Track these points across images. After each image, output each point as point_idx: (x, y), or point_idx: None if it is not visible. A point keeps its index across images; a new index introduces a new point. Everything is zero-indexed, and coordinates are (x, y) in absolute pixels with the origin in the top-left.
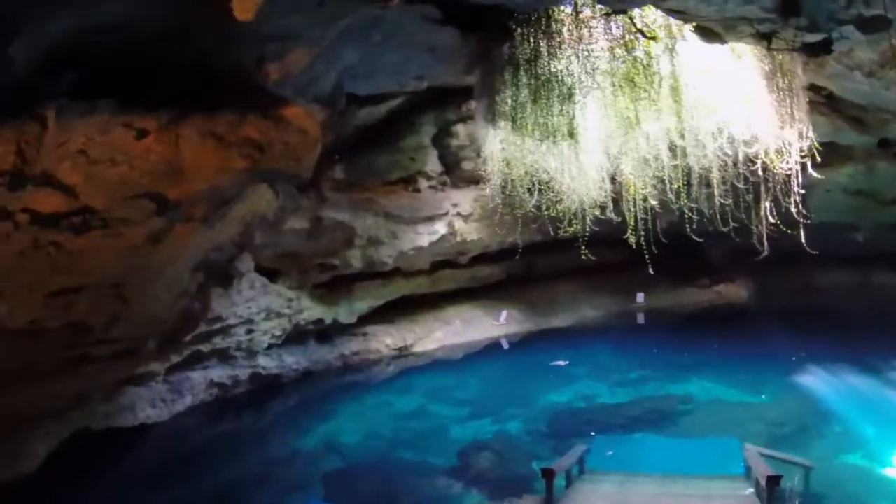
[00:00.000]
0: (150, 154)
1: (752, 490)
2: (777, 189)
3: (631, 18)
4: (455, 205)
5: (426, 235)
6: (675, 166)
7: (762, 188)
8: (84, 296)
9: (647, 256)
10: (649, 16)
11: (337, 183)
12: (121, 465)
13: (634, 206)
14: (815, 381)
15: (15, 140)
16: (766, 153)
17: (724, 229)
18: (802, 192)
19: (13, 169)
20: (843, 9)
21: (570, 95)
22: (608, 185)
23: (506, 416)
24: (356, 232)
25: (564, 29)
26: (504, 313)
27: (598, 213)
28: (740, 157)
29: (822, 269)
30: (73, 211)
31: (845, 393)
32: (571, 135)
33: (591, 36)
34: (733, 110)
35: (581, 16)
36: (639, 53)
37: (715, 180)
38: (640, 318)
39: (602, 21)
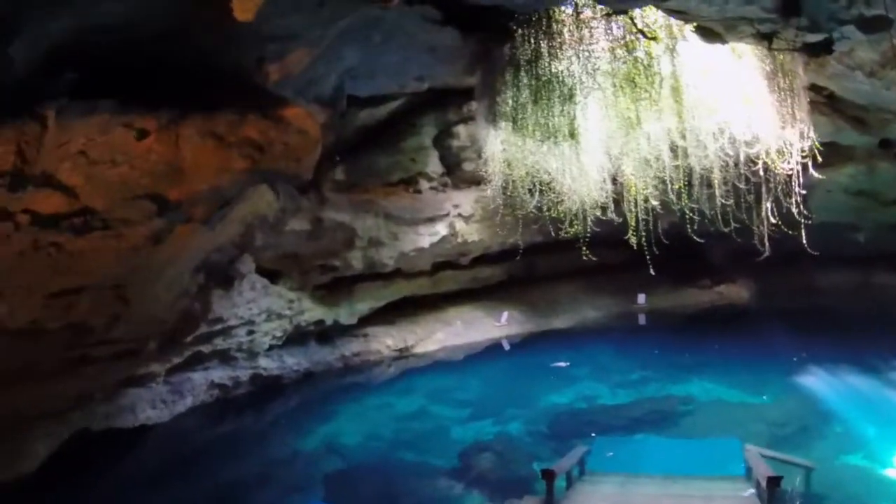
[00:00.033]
0: (150, 154)
1: (752, 491)
2: (778, 189)
3: (632, 19)
4: (456, 206)
5: (427, 236)
6: (677, 167)
7: (763, 189)
8: (84, 296)
9: (648, 257)
10: (650, 16)
11: (338, 184)
12: (121, 465)
13: (635, 206)
14: (816, 381)
15: (15, 140)
16: (768, 153)
17: (726, 230)
18: (803, 192)
19: (13, 169)
20: (843, 9)
21: (571, 96)
22: (609, 186)
23: (507, 417)
24: (357, 233)
25: (565, 29)
26: (505, 314)
27: (599, 213)
28: (741, 158)
29: (823, 270)
30: (73, 212)
31: (846, 393)
32: (572, 135)
33: (591, 36)
34: (734, 110)
35: (582, 16)
36: (639, 54)
37: (716, 181)
38: (642, 319)
39: (603, 21)
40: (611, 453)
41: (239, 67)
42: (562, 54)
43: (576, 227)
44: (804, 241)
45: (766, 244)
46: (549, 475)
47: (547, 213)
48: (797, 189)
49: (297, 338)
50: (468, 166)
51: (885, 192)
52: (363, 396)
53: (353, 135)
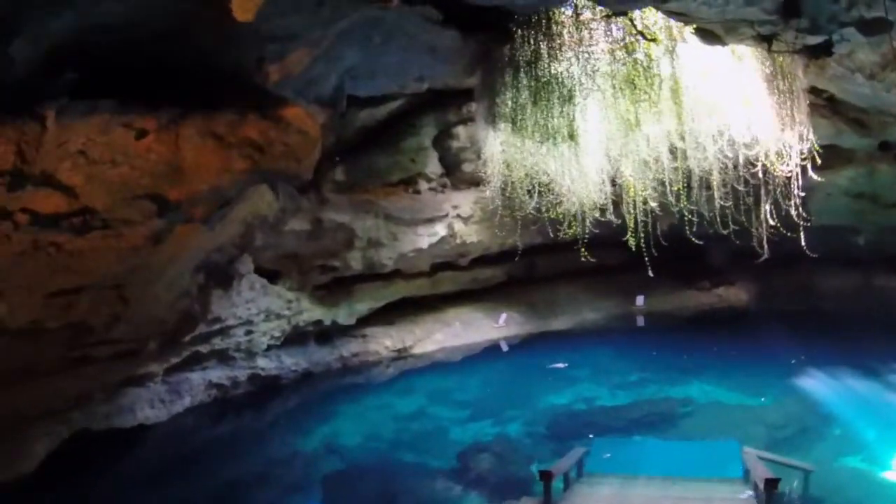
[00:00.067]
0: (150, 154)
1: (750, 493)
2: (777, 192)
3: (631, 20)
4: (455, 206)
5: (426, 237)
6: (676, 169)
7: (762, 191)
8: (84, 296)
9: (647, 259)
10: (650, 18)
11: (337, 184)
12: (120, 465)
13: (634, 208)
14: (816, 383)
15: (15, 140)
16: (767, 156)
17: (725, 232)
18: (803, 194)
19: (13, 169)
20: (844, 10)
21: (571, 97)
22: (608, 188)
23: (506, 418)
24: (356, 233)
25: (565, 31)
26: (504, 315)
27: (598, 215)
28: (741, 160)
29: (823, 272)
30: (73, 211)
31: (845, 396)
32: (571, 137)
33: (591, 38)
34: (734, 113)
35: (581, 18)
36: (639, 55)
37: (715, 183)
38: (640, 321)
39: (602, 23)
40: (608, 455)
41: (239, 67)
42: (561, 55)
43: (574, 228)
44: (803, 244)
45: (765, 246)
46: (546, 476)
47: (546, 215)
48: (796, 191)
49: (296, 338)
50: (467, 167)
51: (886, 195)
52: (362, 397)
53: (353, 135)
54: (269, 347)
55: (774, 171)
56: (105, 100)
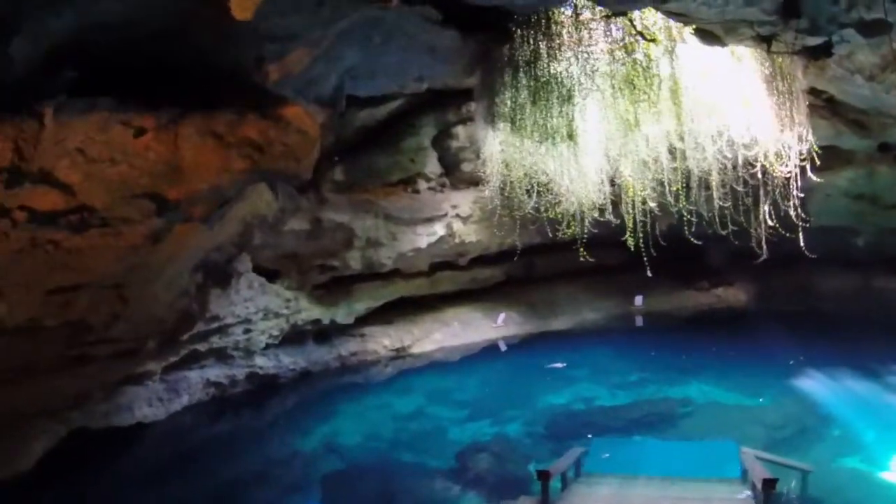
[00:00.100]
0: (148, 153)
1: (748, 493)
2: (776, 192)
3: (631, 21)
4: (454, 206)
5: (425, 237)
6: (675, 169)
7: (761, 191)
8: (83, 294)
9: (645, 259)
10: (649, 18)
11: (337, 184)
12: (117, 463)
13: (633, 208)
14: (814, 384)
15: (13, 137)
16: (766, 156)
17: (724, 232)
18: (802, 195)
19: (10, 166)
20: (843, 12)
21: (570, 97)
22: (607, 188)
23: (504, 418)
24: (355, 233)
25: (564, 31)
26: (502, 315)
27: (597, 215)
28: (740, 161)
29: (823, 273)
30: (71, 209)
31: (844, 397)
32: (570, 137)
33: (590, 38)
34: (733, 113)
35: (581, 18)
36: (638, 56)
37: (714, 183)
38: (639, 321)
39: (602, 23)
40: (607, 455)
41: (238, 66)
42: (561, 55)
43: (573, 228)
44: (802, 244)
45: (764, 247)
46: (544, 476)
47: (545, 214)
48: (795, 192)
49: (295, 337)
50: (466, 167)
51: (885, 197)
52: (360, 396)
53: (353, 135)
54: (268, 346)
55: (773, 171)
56: (103, 97)
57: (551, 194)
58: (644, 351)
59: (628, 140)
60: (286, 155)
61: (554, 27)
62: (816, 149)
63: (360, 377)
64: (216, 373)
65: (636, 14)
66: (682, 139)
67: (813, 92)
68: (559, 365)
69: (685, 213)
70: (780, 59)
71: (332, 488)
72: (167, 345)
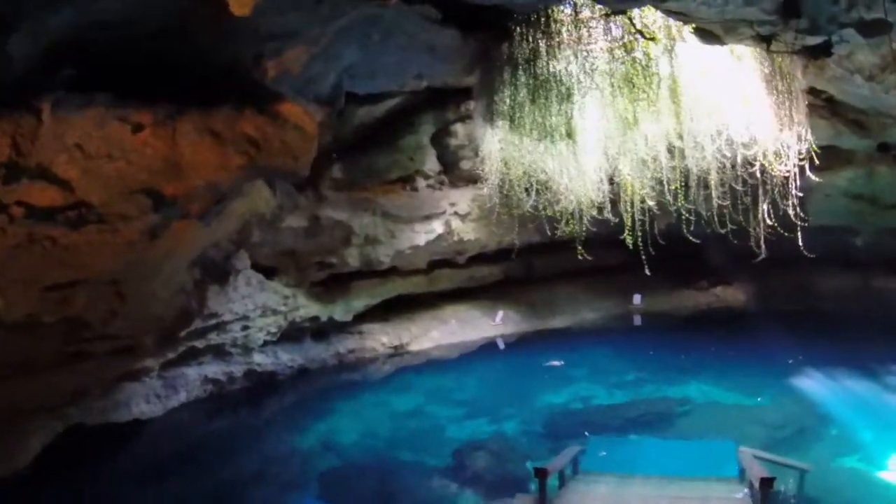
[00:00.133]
0: (146, 149)
1: (746, 492)
2: (775, 192)
3: (630, 19)
4: (453, 204)
5: (423, 234)
6: (674, 168)
7: (760, 191)
8: (80, 291)
9: (644, 258)
10: (649, 17)
11: (335, 182)
12: (114, 460)
13: (632, 207)
14: (813, 384)
15: (10, 132)
16: (765, 155)
17: (722, 231)
18: (801, 194)
19: (8, 161)
20: (843, 11)
21: (569, 95)
22: (606, 186)
23: (502, 417)
24: (354, 231)
25: (563, 29)
26: (501, 313)
27: (595, 213)
28: (739, 160)
29: (822, 273)
30: (68, 205)
31: (843, 396)
32: (569, 135)
33: (590, 36)
34: (732, 112)
35: (580, 16)
36: (638, 54)
37: (713, 182)
38: (637, 320)
39: (601, 22)
40: (604, 453)
41: (236, 64)
42: (560, 54)
43: (572, 226)
44: (801, 244)
45: (763, 246)
46: (541, 473)
47: (543, 213)
48: (794, 191)
49: (292, 334)
50: (465, 165)
51: (884, 197)
52: (358, 394)
53: (352, 133)
54: (266, 343)
55: (772, 171)
56: (101, 93)
57: (550, 192)
58: (642, 350)
59: (627, 139)
60: (284, 152)
61: (553, 25)
62: (815, 148)
63: (357, 375)
64: (214, 370)
65: (636, 12)
66: (681, 138)
67: (812, 91)
68: (557, 363)
69: (684, 212)
70: (780, 59)
71: (330, 486)
72: (165, 342)
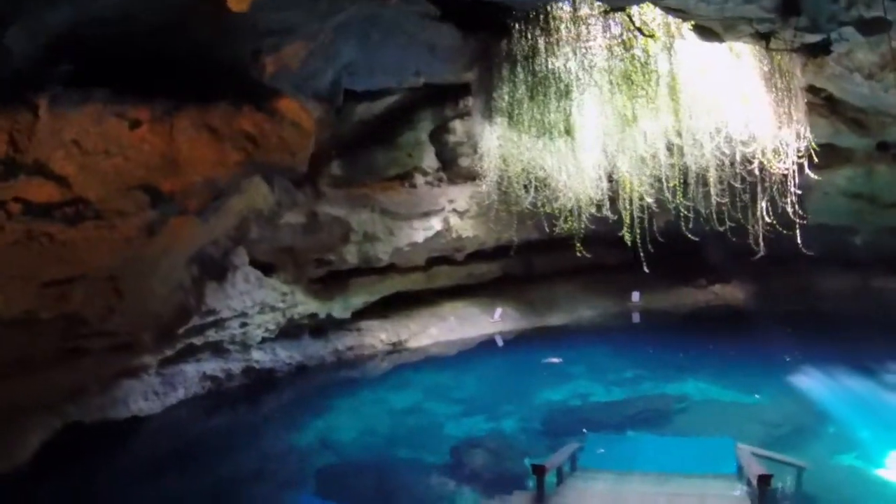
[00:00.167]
0: (143, 145)
1: (744, 489)
2: (774, 189)
3: (629, 16)
4: (451, 201)
5: (421, 231)
6: (672, 165)
7: (759, 188)
8: (78, 287)
9: (642, 255)
10: (647, 14)
11: (334, 178)
12: (112, 456)
13: (631, 204)
14: (811, 382)
15: (7, 128)
16: (764, 153)
17: (721, 229)
18: (799, 192)
19: (5, 157)
20: (843, 10)
21: (568, 92)
22: (605, 184)
23: (500, 414)
24: (352, 227)
25: (562, 26)
26: (499, 311)
27: (594, 210)
28: (737, 157)
29: (820, 272)
30: (66, 201)
31: (841, 394)
32: (568, 132)
33: (588, 33)
34: (731, 110)
35: (579, 13)
36: (637, 51)
37: (712, 180)
38: (636, 317)
39: (600, 19)
40: (602, 450)
41: (236, 61)
42: (559, 51)
43: (571, 223)
44: (799, 242)
45: (762, 244)
46: (539, 471)
47: (542, 210)
48: (793, 189)
49: (291, 331)
50: (464, 161)
51: (884, 196)
52: (356, 391)
53: (350, 130)
54: (264, 340)
55: (771, 168)
56: (99, 89)
57: (548, 189)
58: (641, 348)
59: (626, 136)
60: (281, 148)
61: (552, 22)
62: (814, 146)
63: (356, 372)
64: (212, 366)
65: (635, 10)
66: (679, 135)
67: (812, 90)
68: (556, 360)
69: (683, 210)
70: (779, 57)
71: (327, 483)
72: (163, 338)
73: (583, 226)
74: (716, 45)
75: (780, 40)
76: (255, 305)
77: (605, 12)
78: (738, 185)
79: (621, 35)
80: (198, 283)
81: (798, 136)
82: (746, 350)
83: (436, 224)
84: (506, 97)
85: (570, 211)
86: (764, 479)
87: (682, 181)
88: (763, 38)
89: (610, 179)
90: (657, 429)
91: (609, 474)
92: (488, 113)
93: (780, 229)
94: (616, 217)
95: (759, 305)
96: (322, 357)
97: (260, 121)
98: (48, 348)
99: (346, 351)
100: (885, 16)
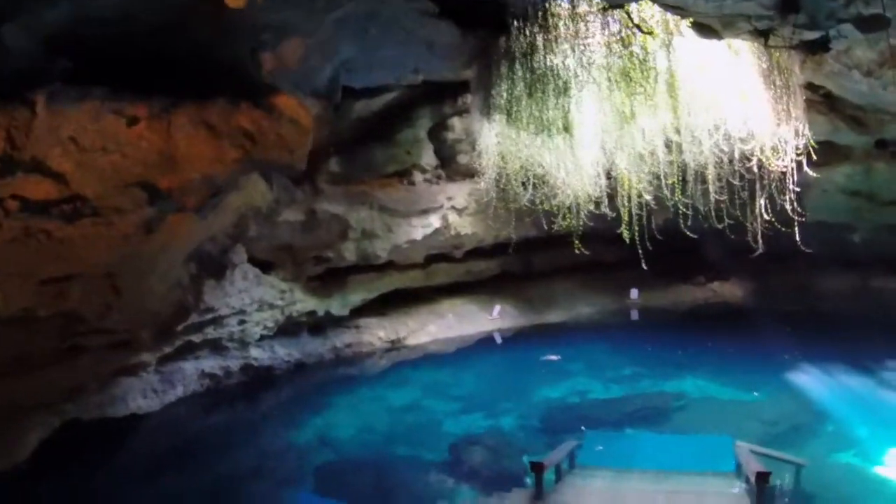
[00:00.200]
0: (141, 142)
1: (742, 486)
2: (772, 187)
3: (628, 13)
4: (450, 198)
5: (420, 228)
6: (671, 162)
7: (758, 185)
8: (75, 285)
9: (640, 253)
10: (646, 11)
11: (332, 176)
12: (111, 454)
13: (629, 201)
14: (810, 380)
15: (4, 125)
16: (762, 150)
17: (720, 226)
18: (798, 190)
19: (2, 154)
20: (842, 7)
21: (566, 89)
22: (603, 181)
23: (499, 411)
24: (350, 225)
25: (561, 23)
26: (497, 308)
27: (592, 208)
28: (736, 154)
29: (819, 270)
30: (63, 199)
31: (839, 392)
32: (566, 129)
33: (587, 30)
34: (730, 107)
35: (578, 10)
36: (635, 48)
37: (710, 177)
38: (634, 315)
39: (599, 16)
40: (600, 447)
41: (234, 59)
42: (557, 48)
43: (569, 220)
44: (798, 240)
45: (760, 242)
46: (538, 468)
47: (540, 207)
48: (791, 187)
49: (289, 328)
50: (462, 159)
51: (882, 193)
52: (355, 388)
53: (348, 127)
54: (262, 338)
55: (770, 165)
56: (96, 86)
57: (547, 187)
58: (639, 345)
59: (624, 133)
60: (279, 145)
61: (551, 19)
62: (813, 144)
63: (354, 369)
64: (211, 364)
65: (633, 7)
66: (678, 132)
67: (810, 87)
68: (554, 358)
69: (681, 207)
70: (778, 54)
71: (326, 480)
72: (161, 336)
73: (581, 223)
74: (714, 42)
75: (778, 37)
76: (253, 303)
77: (604, 9)
78: (736, 182)
79: (620, 32)
80: (196, 280)
81: (797, 133)
82: (745, 347)
83: (434, 221)
84: (504, 94)
85: (569, 208)
86: (762, 477)
87: (680, 178)
88: (762, 35)
89: (608, 176)
90: (656, 426)
91: (607, 472)
92: (487, 110)
93: (779, 227)
94: (614, 214)
95: (758, 303)
96: (320, 354)
97: (258, 118)
98: (46, 346)
99: (344, 348)
100: (884, 13)
